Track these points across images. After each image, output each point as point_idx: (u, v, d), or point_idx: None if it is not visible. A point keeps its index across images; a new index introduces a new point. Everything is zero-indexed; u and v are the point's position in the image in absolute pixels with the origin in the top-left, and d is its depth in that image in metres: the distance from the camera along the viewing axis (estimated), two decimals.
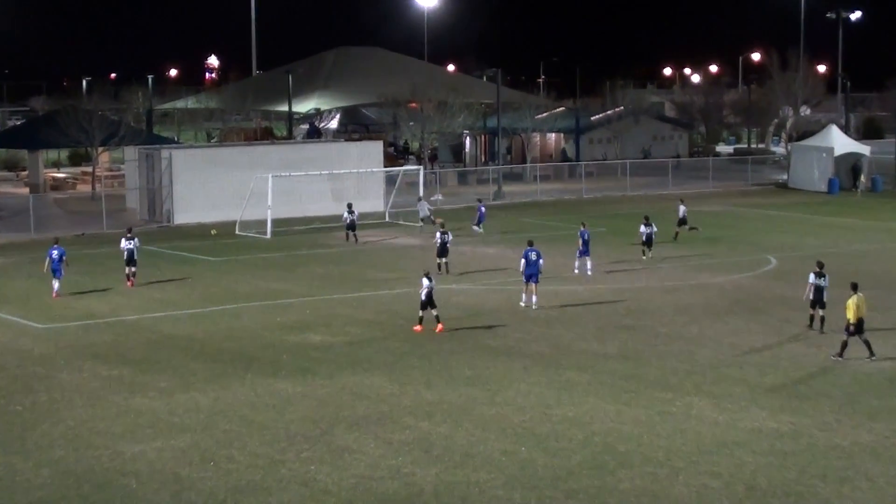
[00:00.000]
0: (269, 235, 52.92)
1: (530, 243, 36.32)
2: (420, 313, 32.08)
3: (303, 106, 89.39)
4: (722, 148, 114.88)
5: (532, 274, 35.17)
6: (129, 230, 40.84)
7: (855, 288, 28.59)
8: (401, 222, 57.77)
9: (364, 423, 23.31)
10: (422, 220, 54.72)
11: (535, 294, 35.32)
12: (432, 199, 66.46)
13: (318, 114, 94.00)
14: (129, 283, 39.34)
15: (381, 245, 50.47)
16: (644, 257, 45.37)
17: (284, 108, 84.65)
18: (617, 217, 59.83)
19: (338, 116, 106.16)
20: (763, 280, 40.85)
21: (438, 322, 31.95)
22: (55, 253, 37.55)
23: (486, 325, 33.02)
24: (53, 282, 37.55)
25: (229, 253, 48.27)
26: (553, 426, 23.13)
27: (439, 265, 41.92)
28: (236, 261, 46.09)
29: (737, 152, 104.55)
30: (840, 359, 28.42)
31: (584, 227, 42.02)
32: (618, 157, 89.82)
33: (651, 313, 34.81)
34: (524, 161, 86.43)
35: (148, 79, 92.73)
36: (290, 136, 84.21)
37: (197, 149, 66.02)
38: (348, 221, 50.77)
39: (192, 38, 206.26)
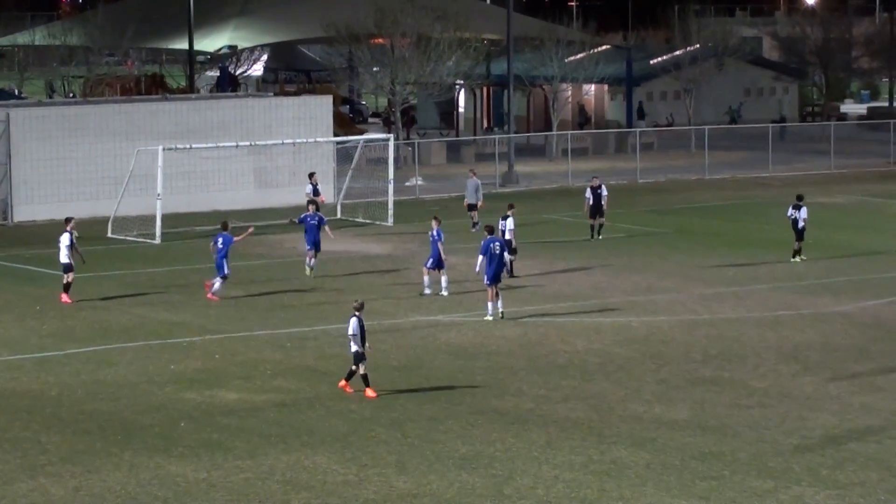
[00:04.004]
0: (158, 239, 52.88)
1: (490, 230, 38.35)
2: (354, 367, 31.32)
3: (210, 42, 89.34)
4: (850, 107, 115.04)
5: (495, 273, 37.76)
6: (68, 220, 43.16)
7: None
8: (359, 219, 57.72)
9: None
10: (468, 205, 54.42)
11: (499, 297, 38.08)
12: (407, 183, 66.53)
13: (234, 54, 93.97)
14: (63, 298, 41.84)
15: (330, 254, 50.42)
16: (794, 258, 47.66)
17: (183, 45, 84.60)
18: (688, 212, 59.85)
19: (264, 58, 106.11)
20: None
21: (366, 385, 31.21)
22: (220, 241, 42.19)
23: (488, 378, 33.03)
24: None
25: (97, 266, 48.15)
26: None
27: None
28: (108, 278, 46.02)
29: (872, 114, 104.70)
30: None
31: (436, 224, 41.83)
32: (691, 120, 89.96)
33: (742, 359, 34.83)
34: (548, 127, 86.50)
35: None
36: (190, 89, 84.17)
37: (48, 107, 65.89)
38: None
39: None
